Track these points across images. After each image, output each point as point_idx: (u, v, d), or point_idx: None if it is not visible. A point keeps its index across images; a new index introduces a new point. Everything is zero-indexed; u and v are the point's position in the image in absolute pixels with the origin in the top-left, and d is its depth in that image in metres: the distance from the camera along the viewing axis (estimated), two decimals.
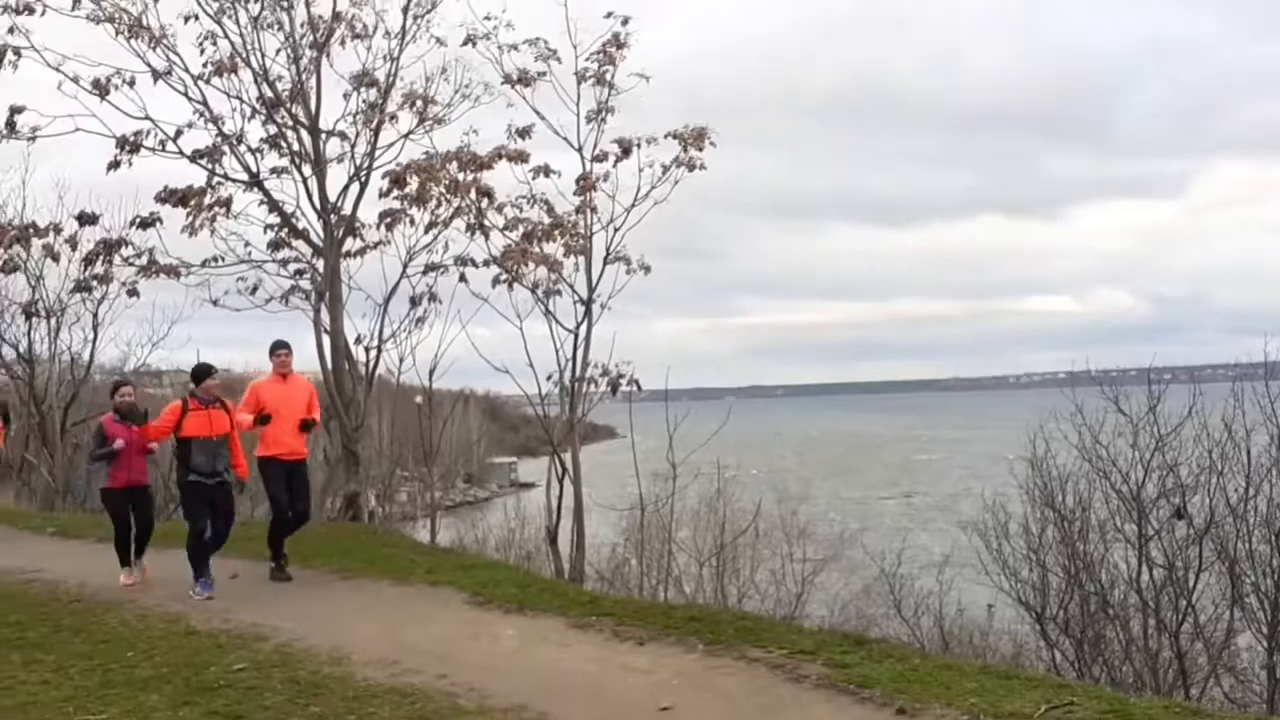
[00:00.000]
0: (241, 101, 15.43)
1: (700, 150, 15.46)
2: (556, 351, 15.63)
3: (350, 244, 15.89)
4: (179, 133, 15.22)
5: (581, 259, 15.62)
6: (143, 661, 7.70)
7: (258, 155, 15.64)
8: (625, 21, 15.36)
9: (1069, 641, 14.61)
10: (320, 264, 15.71)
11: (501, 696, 6.71)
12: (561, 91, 15.58)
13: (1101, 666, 14.09)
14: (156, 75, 14.93)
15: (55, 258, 18.31)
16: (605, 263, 15.61)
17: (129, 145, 14.98)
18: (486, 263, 15.66)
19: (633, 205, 15.54)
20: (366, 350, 15.96)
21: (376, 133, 15.72)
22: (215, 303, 15.97)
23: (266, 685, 7.03)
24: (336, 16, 15.56)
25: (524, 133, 15.59)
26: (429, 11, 15.67)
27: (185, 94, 15.21)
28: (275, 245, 15.92)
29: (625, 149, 15.50)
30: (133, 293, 16.77)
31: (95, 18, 14.64)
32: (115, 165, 15.08)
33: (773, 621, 9.83)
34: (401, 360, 16.19)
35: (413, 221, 15.65)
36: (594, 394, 15.90)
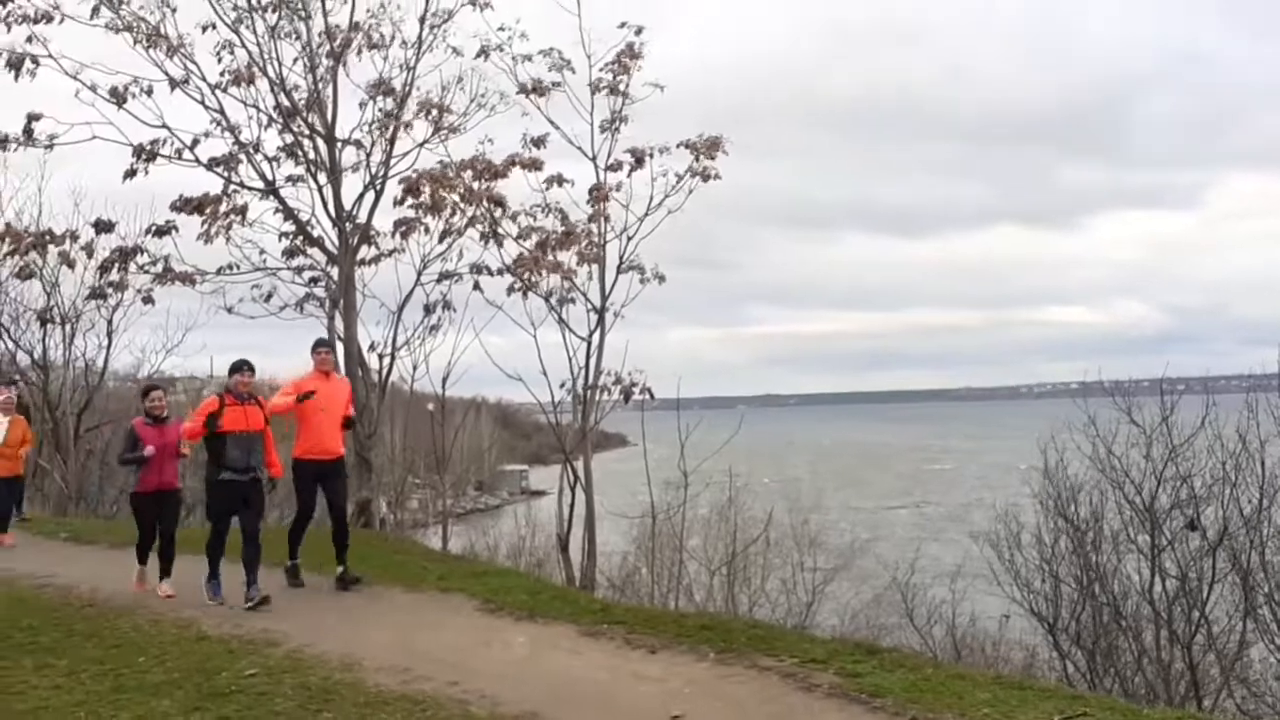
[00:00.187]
0: (258, 110, 15.54)
1: (713, 159, 15.50)
2: (569, 359, 15.69)
3: (365, 252, 15.96)
4: (195, 141, 15.29)
5: (595, 267, 15.66)
6: (154, 667, 7.71)
7: (274, 164, 15.74)
8: (639, 31, 15.46)
9: (1081, 652, 14.56)
10: (335, 272, 15.77)
11: (513, 704, 6.71)
12: (575, 101, 15.66)
13: (1114, 678, 14.03)
14: (174, 84, 15.00)
15: (71, 264, 18.39)
16: (619, 271, 15.67)
17: (145, 154, 15.05)
18: (501, 271, 15.73)
19: (646, 214, 15.59)
20: (380, 358, 16.04)
21: (392, 141, 15.79)
22: (230, 310, 16.05)
23: (278, 691, 7.04)
24: (354, 26, 15.64)
25: (539, 142, 15.68)
26: (445, 22, 15.76)
27: (202, 103, 15.29)
28: (290, 253, 15.98)
29: (638, 158, 15.54)
30: (148, 300, 16.81)
31: (114, 26, 14.72)
32: (131, 174, 15.16)
33: (784, 630, 9.84)
34: (415, 368, 16.29)
35: (427, 230, 15.73)
36: (606, 402, 15.92)
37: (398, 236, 15.77)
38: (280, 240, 15.94)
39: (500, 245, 15.72)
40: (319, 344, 11.18)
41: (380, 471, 16.29)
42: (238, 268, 15.73)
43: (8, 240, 17.68)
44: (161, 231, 15.69)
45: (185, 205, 15.32)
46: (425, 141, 15.81)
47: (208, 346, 22.26)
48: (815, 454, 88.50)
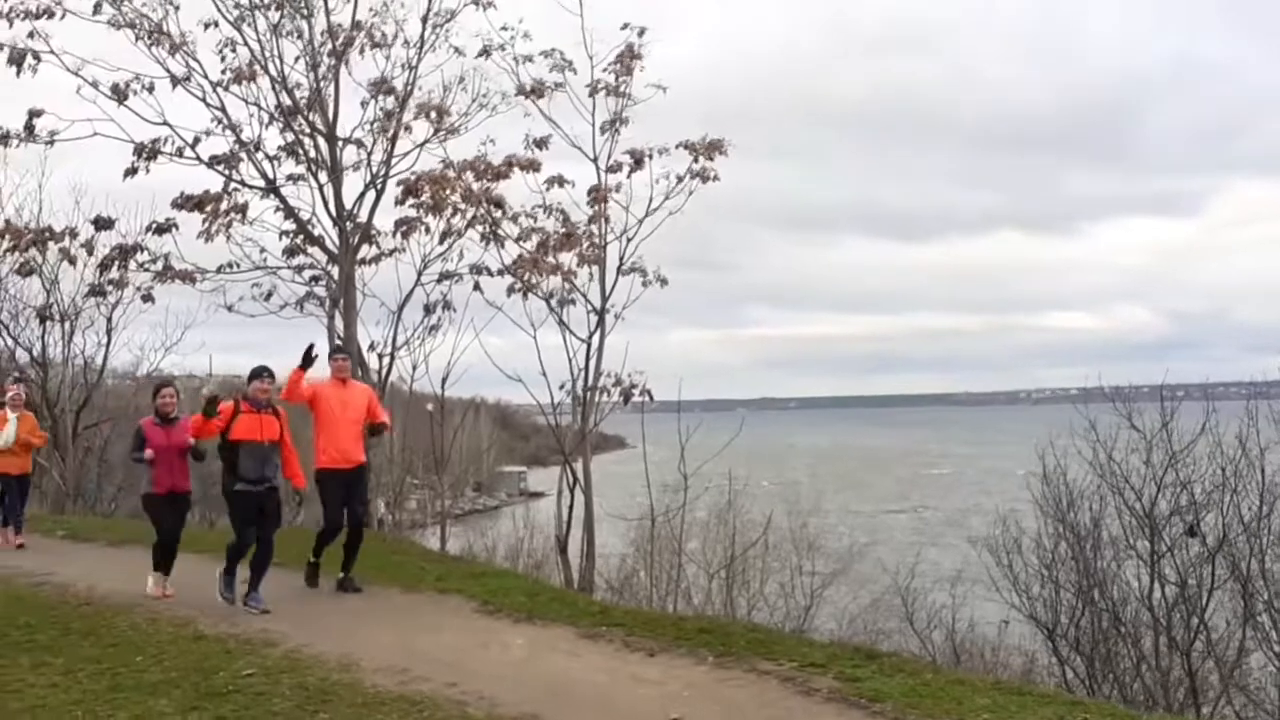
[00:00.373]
0: (259, 108, 15.58)
1: (712, 161, 15.50)
2: (569, 361, 15.69)
3: (365, 251, 15.98)
4: (197, 139, 15.31)
5: (595, 269, 15.65)
6: (152, 666, 7.68)
7: (275, 162, 15.77)
8: (641, 33, 15.49)
9: (1080, 658, 14.53)
10: (335, 271, 15.76)
11: (511, 705, 6.69)
12: (577, 102, 15.67)
13: (1113, 684, 13.99)
14: (175, 81, 15.03)
15: (71, 261, 18.43)
16: (619, 273, 15.68)
17: (146, 152, 15.04)
18: (501, 272, 15.72)
19: (646, 215, 15.60)
20: (380, 357, 16.05)
21: (393, 141, 15.80)
22: (230, 308, 16.09)
23: (275, 691, 7.01)
24: (356, 25, 15.66)
25: (541, 143, 15.69)
26: (448, 21, 15.79)
27: (204, 100, 15.34)
28: (290, 252, 16.00)
29: (638, 160, 15.54)
30: (147, 298, 16.83)
31: (115, 23, 14.75)
32: (132, 172, 15.16)
33: (783, 634, 9.81)
34: (414, 368, 16.27)
35: (428, 230, 15.73)
36: (606, 404, 15.92)
37: (398, 236, 15.79)
38: (280, 239, 16.00)
39: (501, 246, 15.75)
40: (335, 351, 11.15)
41: (379, 472, 16.26)
42: (238, 266, 15.78)
43: (8, 237, 17.71)
44: (162, 229, 15.71)
45: (186, 203, 15.33)
46: (426, 142, 15.85)
47: (207, 345, 22.19)
48: (815, 457, 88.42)
